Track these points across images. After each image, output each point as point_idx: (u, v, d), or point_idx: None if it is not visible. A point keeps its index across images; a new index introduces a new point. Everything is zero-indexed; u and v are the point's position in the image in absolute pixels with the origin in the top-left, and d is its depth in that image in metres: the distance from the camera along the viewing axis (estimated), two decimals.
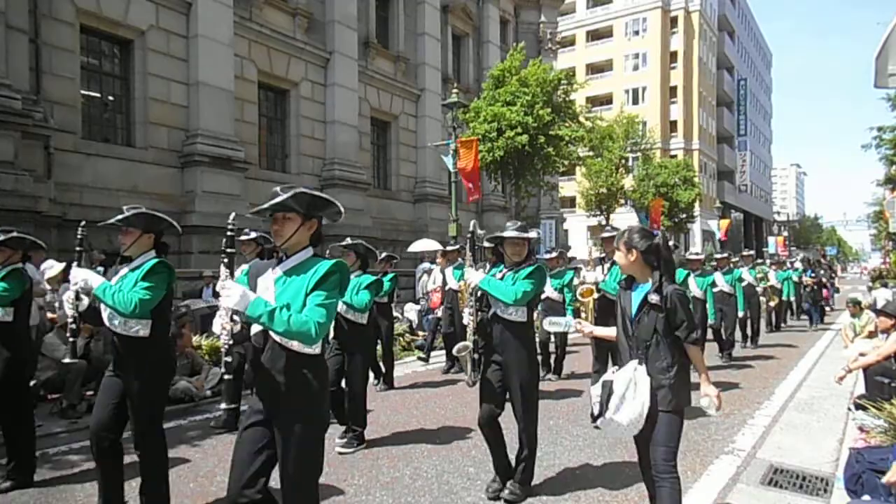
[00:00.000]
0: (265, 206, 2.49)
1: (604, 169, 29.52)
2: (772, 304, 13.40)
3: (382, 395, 7.31)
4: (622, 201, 32.51)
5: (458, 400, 7.02)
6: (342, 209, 2.63)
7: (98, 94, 11.80)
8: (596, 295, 5.76)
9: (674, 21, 49.79)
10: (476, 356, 3.98)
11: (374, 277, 5.77)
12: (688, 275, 8.05)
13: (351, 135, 16.63)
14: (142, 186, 11.74)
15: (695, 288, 8.31)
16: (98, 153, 11.29)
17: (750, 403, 6.76)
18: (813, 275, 15.66)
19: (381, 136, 19.12)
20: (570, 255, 22.06)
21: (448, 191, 16.11)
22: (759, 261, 16.89)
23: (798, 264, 16.68)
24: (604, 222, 31.70)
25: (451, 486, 4.21)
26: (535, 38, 25.13)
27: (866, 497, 3.29)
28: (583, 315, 6.42)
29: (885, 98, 23.95)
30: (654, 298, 2.89)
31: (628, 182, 32.50)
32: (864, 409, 5.04)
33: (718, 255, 10.48)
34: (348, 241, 6.12)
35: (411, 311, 12.69)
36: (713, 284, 8.89)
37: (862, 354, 5.82)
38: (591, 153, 27.64)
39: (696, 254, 9.44)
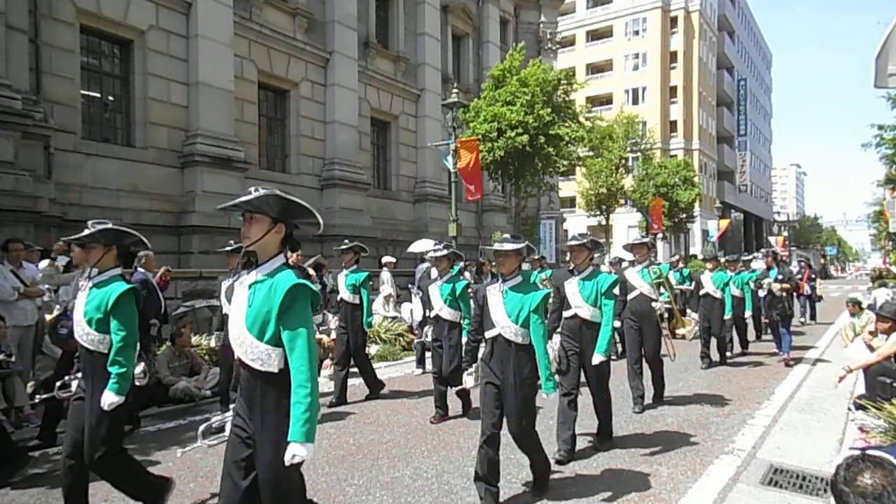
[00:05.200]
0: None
1: (604, 169, 29.51)
2: (684, 330, 9.00)
3: (382, 396, 7.30)
4: (622, 201, 32.51)
5: (457, 400, 7.02)
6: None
7: (98, 94, 11.78)
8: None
9: (674, 21, 49.76)
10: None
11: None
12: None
13: (351, 135, 16.62)
14: (142, 186, 11.74)
15: (505, 319, 3.97)
16: (98, 153, 11.27)
17: (750, 403, 6.76)
18: (780, 277, 9.66)
19: (381, 136, 19.11)
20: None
21: (448, 191, 16.10)
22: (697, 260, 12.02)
23: (759, 263, 11.17)
24: (604, 222, 31.73)
25: (451, 486, 4.21)
26: (535, 38, 25.12)
27: None
28: None
29: (886, 97, 23.95)
30: None
31: (628, 182, 32.49)
32: (864, 409, 5.03)
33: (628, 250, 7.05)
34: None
35: (407, 309, 12.67)
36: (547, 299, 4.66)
37: (869, 346, 5.81)
38: (591, 153, 27.62)
39: (513, 238, 4.19)
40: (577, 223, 41.64)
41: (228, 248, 6.05)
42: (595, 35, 51.98)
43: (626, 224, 41.33)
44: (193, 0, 12.55)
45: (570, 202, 42.80)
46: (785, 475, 4.46)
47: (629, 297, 6.59)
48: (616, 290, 5.01)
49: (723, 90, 57.52)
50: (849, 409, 5.85)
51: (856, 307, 9.43)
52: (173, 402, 6.76)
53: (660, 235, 32.99)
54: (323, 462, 4.76)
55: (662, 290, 6.65)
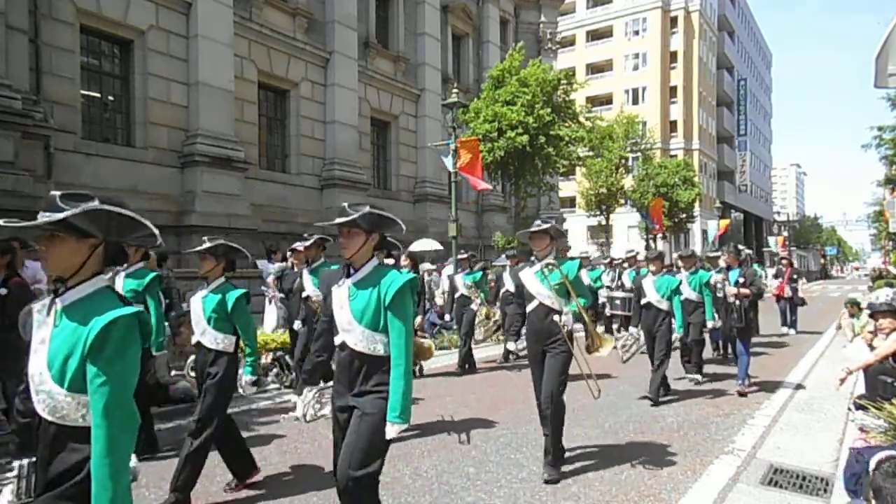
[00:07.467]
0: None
1: (604, 169, 29.52)
2: (603, 351, 4.85)
3: None
4: (622, 201, 32.52)
5: (457, 400, 7.02)
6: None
7: (98, 94, 11.78)
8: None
9: (674, 21, 49.78)
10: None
11: None
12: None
13: (351, 135, 16.62)
14: (142, 186, 11.73)
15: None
16: (98, 153, 11.27)
17: (750, 403, 6.76)
18: (741, 280, 7.65)
19: (381, 136, 19.10)
20: (569, 255, 22.07)
21: (448, 191, 16.10)
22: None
23: (721, 262, 8.22)
24: (604, 222, 31.73)
25: (451, 486, 4.21)
26: (535, 38, 25.12)
27: None
28: None
29: (886, 98, 23.99)
30: None
31: (628, 182, 32.50)
32: (864, 409, 5.03)
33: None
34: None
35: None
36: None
37: (870, 345, 5.81)
38: (591, 153, 27.63)
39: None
40: (578, 223, 41.77)
41: None
42: (595, 35, 51.99)
43: (626, 224, 41.36)
44: (193, 0, 12.56)
45: (570, 202, 42.81)
46: (785, 475, 4.46)
47: (528, 308, 4.65)
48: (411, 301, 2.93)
49: (723, 90, 57.54)
50: (849, 409, 5.85)
51: (855, 308, 9.43)
52: (173, 402, 6.76)
53: (660, 235, 33.03)
54: (323, 462, 4.76)
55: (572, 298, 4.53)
